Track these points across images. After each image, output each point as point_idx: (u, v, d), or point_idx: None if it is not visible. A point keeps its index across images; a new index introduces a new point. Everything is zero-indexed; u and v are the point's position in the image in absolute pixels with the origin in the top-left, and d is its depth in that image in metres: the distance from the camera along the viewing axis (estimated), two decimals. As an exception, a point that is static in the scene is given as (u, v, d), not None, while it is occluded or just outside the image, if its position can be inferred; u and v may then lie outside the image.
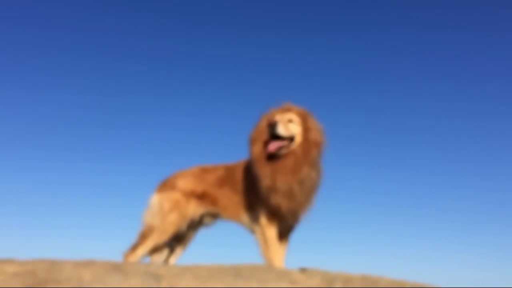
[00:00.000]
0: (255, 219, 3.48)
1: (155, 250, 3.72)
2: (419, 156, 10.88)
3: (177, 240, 3.88)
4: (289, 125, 3.30)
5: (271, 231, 3.37)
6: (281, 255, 3.43)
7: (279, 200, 3.23)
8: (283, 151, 3.25)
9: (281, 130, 3.22)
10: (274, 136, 3.23)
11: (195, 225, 3.82)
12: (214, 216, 3.77)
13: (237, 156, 3.84)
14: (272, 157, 3.26)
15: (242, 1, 12.12)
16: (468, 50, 11.18)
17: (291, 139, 3.28)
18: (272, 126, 3.21)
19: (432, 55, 11.42)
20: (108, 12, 11.35)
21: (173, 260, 3.90)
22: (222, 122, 10.90)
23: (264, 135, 3.33)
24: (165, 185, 3.79)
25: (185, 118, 11.01)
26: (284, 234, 3.51)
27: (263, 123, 3.42)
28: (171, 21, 11.64)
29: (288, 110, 3.42)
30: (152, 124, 10.92)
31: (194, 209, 3.68)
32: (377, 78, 11.58)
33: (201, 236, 3.96)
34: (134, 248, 3.64)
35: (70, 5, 11.06)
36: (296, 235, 3.59)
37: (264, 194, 3.26)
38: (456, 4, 11.25)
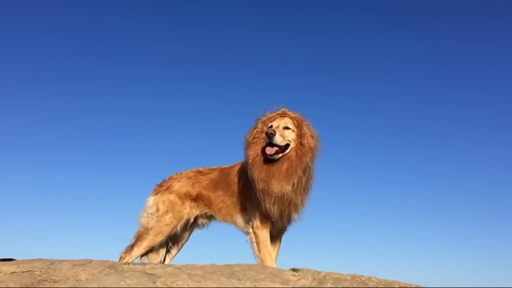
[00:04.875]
0: (248, 221, 3.54)
1: (150, 250, 3.77)
2: (410, 158, 10.98)
3: (172, 240, 3.93)
4: (285, 132, 3.37)
5: (264, 233, 3.43)
6: (273, 256, 3.50)
7: (272, 204, 3.29)
8: (279, 155, 3.32)
9: (278, 139, 3.29)
10: (271, 144, 3.30)
11: (190, 226, 3.87)
12: (209, 217, 3.83)
13: (233, 158, 3.92)
14: (267, 161, 3.33)
15: (240, 2, 12.19)
16: (468, 55, 11.31)
17: (286, 145, 3.35)
18: (269, 136, 3.28)
19: (434, 60, 11.53)
20: (105, 14, 11.37)
21: (168, 260, 3.95)
22: (219, 124, 10.93)
23: (260, 140, 3.39)
24: (161, 187, 3.85)
25: (182, 120, 11.04)
26: (276, 235, 3.58)
27: (259, 127, 3.48)
28: (167, 22, 11.69)
29: (283, 115, 3.49)
30: (149, 126, 10.94)
31: (189, 210, 3.74)
32: (377, 80, 11.66)
33: (196, 237, 4.02)
34: (130, 248, 3.69)
35: (70, 7, 11.09)
36: (288, 236, 3.67)
37: (258, 197, 3.33)
38: (460, 10, 11.38)
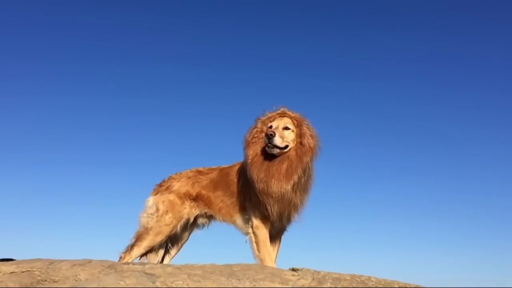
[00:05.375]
0: (247, 220, 3.53)
1: (150, 250, 3.77)
2: (410, 158, 10.99)
3: (172, 240, 3.93)
4: (285, 133, 3.36)
5: (263, 232, 3.43)
6: (273, 256, 3.50)
7: (272, 204, 3.28)
8: (277, 150, 3.30)
9: (278, 141, 3.28)
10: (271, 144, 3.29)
11: (190, 226, 3.87)
12: (209, 217, 3.83)
13: (232, 158, 3.92)
14: (266, 161, 3.32)
15: (240, 2, 12.18)
16: (468, 55, 11.31)
17: (285, 146, 3.35)
18: (269, 137, 3.27)
19: (434, 60, 11.53)
20: (105, 14, 11.37)
21: (168, 260, 3.95)
22: (219, 124, 10.93)
23: (260, 140, 3.39)
24: (161, 187, 3.85)
25: (182, 120, 11.04)
26: (276, 235, 3.58)
27: (258, 127, 3.48)
28: (167, 22, 11.69)
29: (283, 115, 3.48)
30: (149, 126, 10.95)
31: (188, 210, 3.74)
32: (377, 80, 11.66)
33: (195, 237, 4.01)
34: (130, 248, 3.69)
35: (70, 7, 11.09)
36: (287, 236, 3.67)
37: (257, 197, 3.32)
38: (460, 10, 11.38)
